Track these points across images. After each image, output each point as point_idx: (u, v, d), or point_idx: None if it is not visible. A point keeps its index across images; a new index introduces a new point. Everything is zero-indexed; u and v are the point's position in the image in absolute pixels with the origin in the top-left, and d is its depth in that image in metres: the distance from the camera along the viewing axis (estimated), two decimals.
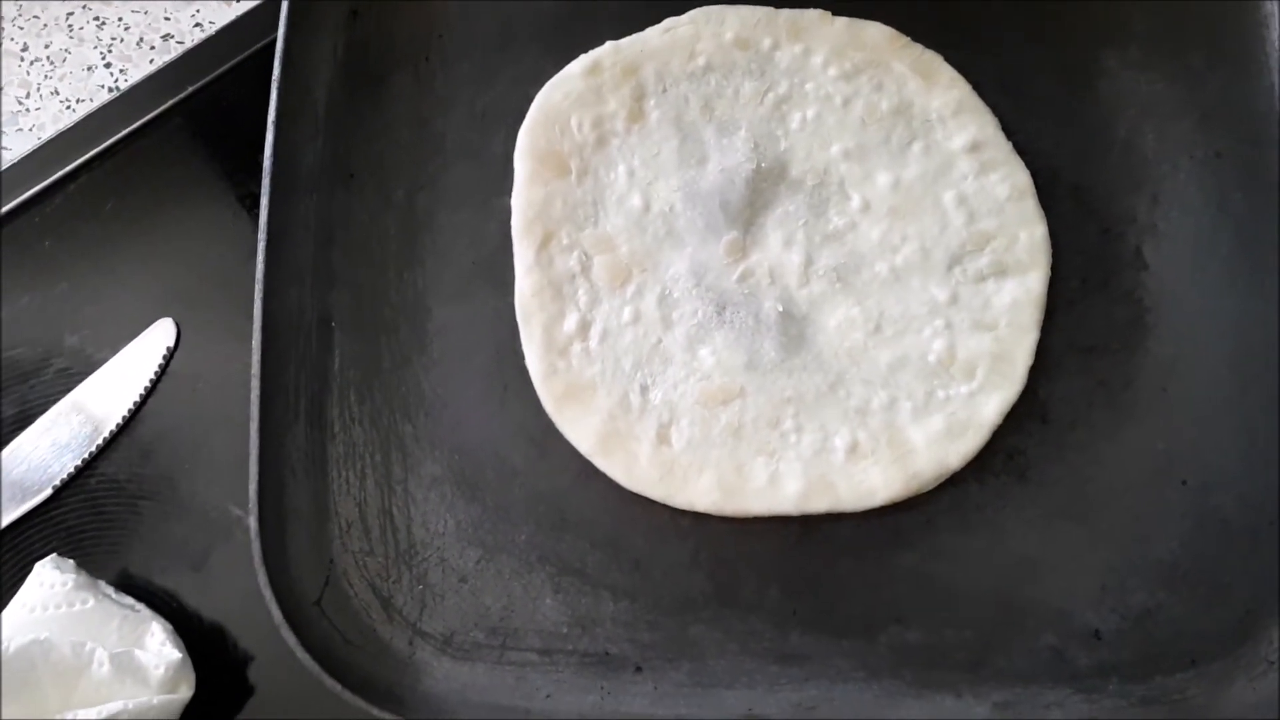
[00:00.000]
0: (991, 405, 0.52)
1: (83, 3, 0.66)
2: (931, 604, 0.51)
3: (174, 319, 0.61)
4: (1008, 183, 0.55)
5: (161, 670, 0.51)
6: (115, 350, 0.61)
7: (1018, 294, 0.54)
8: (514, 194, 0.56)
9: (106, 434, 0.59)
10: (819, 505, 0.51)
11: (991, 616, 0.51)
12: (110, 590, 0.54)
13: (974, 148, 0.56)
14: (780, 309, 0.54)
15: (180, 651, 0.52)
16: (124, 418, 0.59)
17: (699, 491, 0.52)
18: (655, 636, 0.51)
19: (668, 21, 0.59)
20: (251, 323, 0.54)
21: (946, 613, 0.51)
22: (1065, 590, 0.51)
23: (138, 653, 0.51)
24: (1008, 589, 0.51)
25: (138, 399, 0.59)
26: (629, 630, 0.51)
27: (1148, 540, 0.51)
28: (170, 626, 0.53)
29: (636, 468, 0.52)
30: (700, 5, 0.59)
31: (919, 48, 0.58)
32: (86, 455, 0.59)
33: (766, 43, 0.58)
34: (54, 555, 0.55)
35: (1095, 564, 0.51)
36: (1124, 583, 0.51)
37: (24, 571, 0.55)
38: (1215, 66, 0.57)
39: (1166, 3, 0.58)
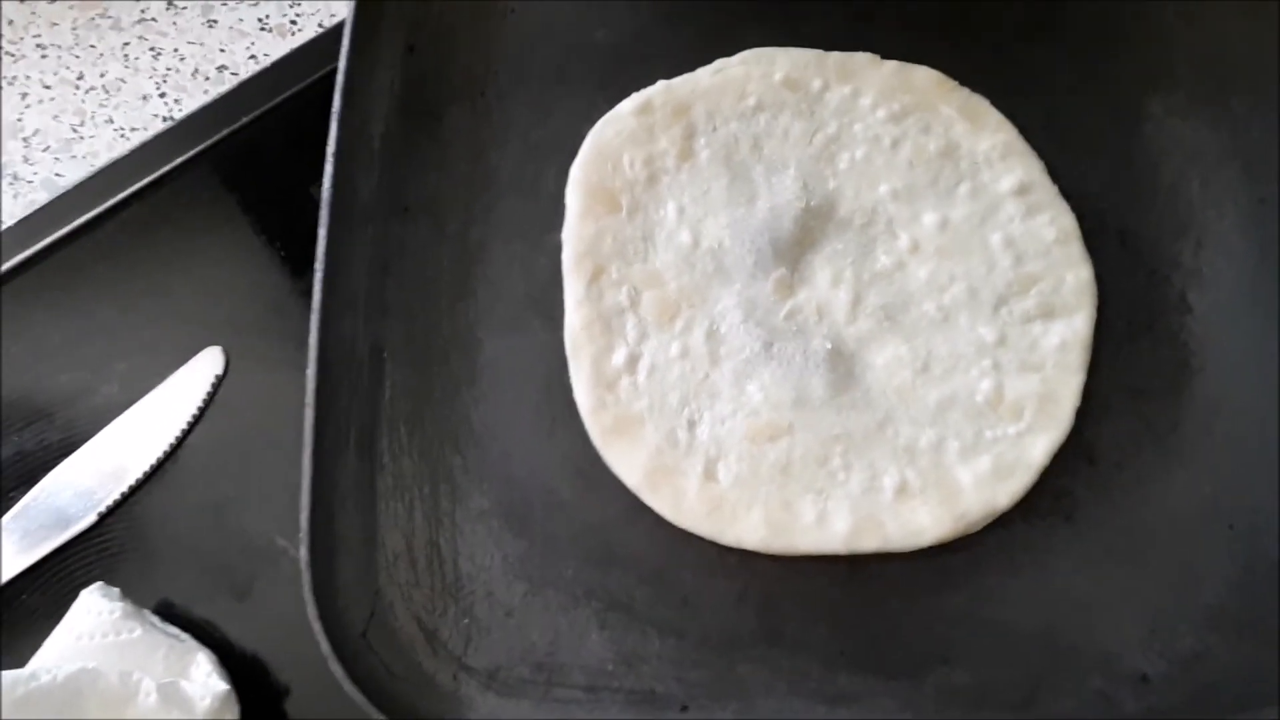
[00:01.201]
0: (1039, 446, 0.52)
1: (139, 34, 0.67)
2: (978, 645, 0.50)
3: (223, 347, 0.61)
4: (1054, 226, 0.56)
5: (207, 701, 0.50)
6: (163, 377, 0.60)
7: (1065, 335, 0.54)
8: (565, 229, 0.57)
9: (152, 461, 0.59)
10: (867, 544, 0.51)
11: (1039, 658, 0.50)
12: (155, 619, 0.54)
13: (1021, 190, 0.56)
14: (829, 346, 0.54)
15: (226, 683, 0.51)
16: (170, 445, 0.59)
17: (747, 528, 0.51)
18: (702, 675, 0.51)
19: (719, 62, 0.60)
20: (301, 352, 0.53)
21: (993, 654, 0.50)
22: (1113, 633, 0.50)
23: (184, 684, 0.50)
24: (1055, 630, 0.50)
25: (184, 427, 0.59)
26: (675, 668, 0.51)
27: (1195, 584, 0.51)
28: (215, 657, 0.53)
29: (684, 503, 0.52)
30: (751, 47, 0.60)
31: (966, 91, 0.58)
32: (131, 483, 0.58)
33: (816, 84, 0.59)
34: (100, 583, 0.55)
35: (1143, 607, 0.51)
36: (1172, 626, 0.50)
37: (67, 599, 0.54)
38: (1258, 113, 0.58)
39: (1210, 49, 0.59)
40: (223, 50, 0.68)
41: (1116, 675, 0.50)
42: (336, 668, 0.48)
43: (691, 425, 0.53)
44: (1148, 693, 0.49)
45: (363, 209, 0.58)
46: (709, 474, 0.52)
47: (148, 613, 0.54)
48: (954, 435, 0.53)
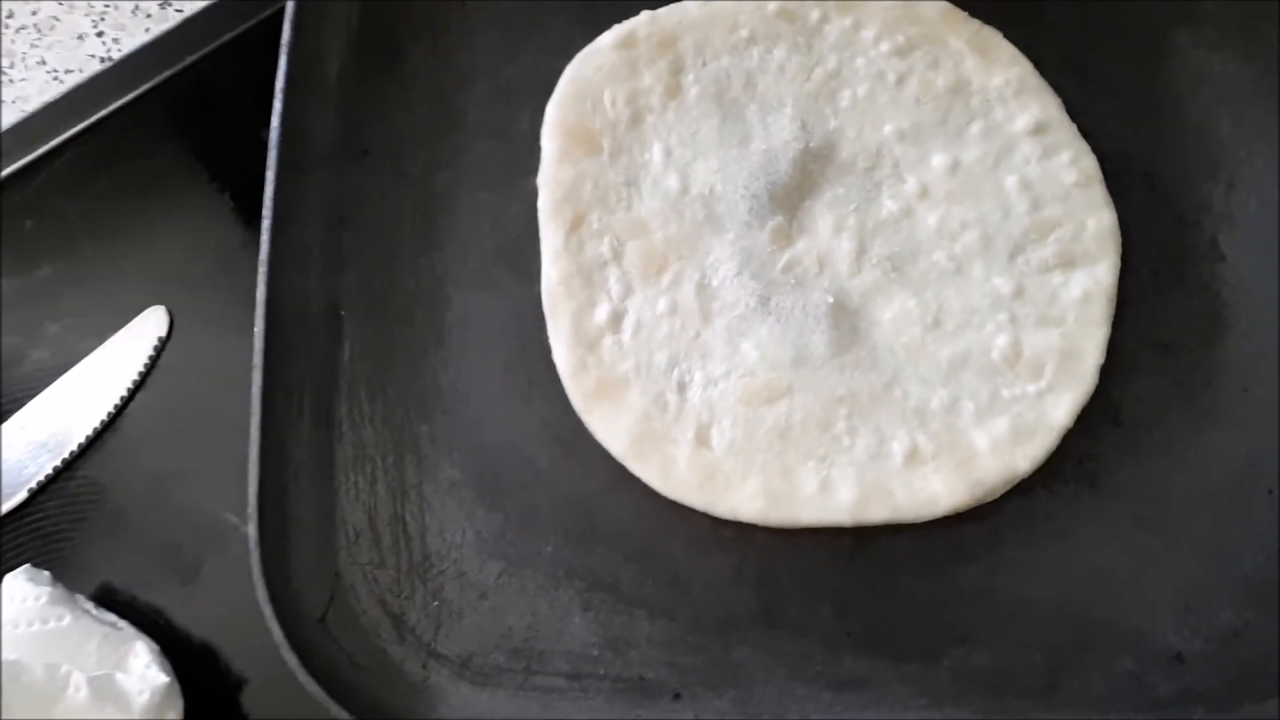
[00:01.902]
0: (1062, 406, 0.48)
1: None
2: (998, 623, 0.47)
3: (166, 307, 0.57)
4: (1074, 167, 0.52)
5: (146, 695, 0.47)
6: (101, 340, 0.57)
7: (1087, 286, 0.50)
8: (541, 174, 0.53)
9: (89, 432, 0.55)
10: (875, 515, 0.47)
11: (1064, 637, 0.47)
12: (90, 605, 0.50)
13: (1037, 130, 0.52)
14: (831, 300, 0.50)
15: (167, 674, 0.48)
16: (109, 414, 0.55)
17: (743, 499, 0.48)
18: (695, 660, 0.48)
19: None
20: (250, 313, 0.50)
21: (1015, 633, 0.47)
22: (1143, 609, 0.48)
23: (119, 676, 0.47)
24: (1081, 607, 0.48)
25: (124, 394, 0.56)
26: (666, 653, 0.48)
27: (1232, 554, 0.48)
28: (156, 646, 0.49)
29: (674, 472, 0.48)
30: None
31: (976, 23, 0.55)
32: (66, 455, 0.55)
33: (814, 15, 0.54)
34: (27, 566, 0.51)
35: (1175, 580, 0.48)
36: (1207, 601, 0.47)
37: None
38: None
39: None
40: None
41: (1148, 655, 0.47)
42: (290, 657, 0.46)
43: (681, 387, 0.49)
44: (1182, 673, 0.47)
45: (316, 153, 0.54)
46: (701, 440, 0.49)
47: (81, 598, 0.50)
48: (968, 395, 0.49)
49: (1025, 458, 0.48)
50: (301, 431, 0.50)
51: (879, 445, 0.48)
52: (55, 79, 0.62)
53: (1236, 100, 0.54)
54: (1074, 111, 0.53)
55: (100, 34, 0.62)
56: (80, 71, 0.62)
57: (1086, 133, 0.52)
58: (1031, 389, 0.49)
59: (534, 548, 0.49)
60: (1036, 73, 0.53)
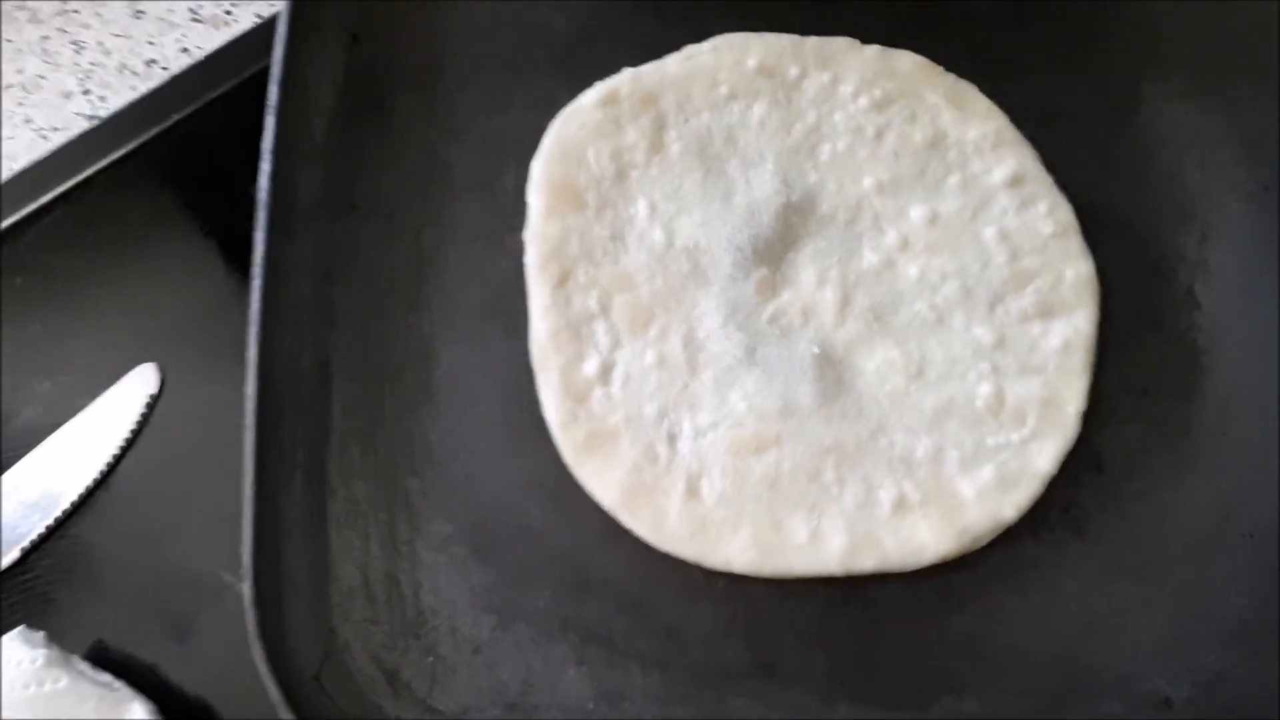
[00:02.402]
0: (1045, 454, 0.49)
1: (60, 27, 0.62)
2: (987, 671, 0.48)
3: (157, 364, 0.57)
4: (1051, 218, 0.53)
5: None
6: (92, 397, 0.57)
7: (1066, 335, 0.51)
8: (528, 229, 0.53)
9: (81, 490, 0.55)
10: (865, 564, 0.48)
11: (1052, 683, 0.47)
12: (85, 666, 0.50)
13: (1014, 181, 0.53)
14: (816, 351, 0.51)
15: None
16: (100, 473, 0.55)
17: (735, 550, 0.48)
18: (690, 711, 0.47)
19: (688, 49, 0.56)
20: (242, 368, 0.49)
21: (1004, 680, 0.47)
22: (1129, 653, 0.48)
23: None
24: (1069, 652, 0.48)
25: (116, 451, 0.55)
26: (661, 706, 0.47)
27: (1215, 597, 0.49)
28: (153, 706, 0.49)
29: (665, 524, 0.48)
30: (721, 32, 0.56)
31: (952, 77, 0.55)
32: (58, 514, 0.54)
33: (793, 71, 0.55)
34: (22, 627, 0.50)
35: (1160, 624, 0.48)
36: (1192, 644, 0.48)
37: None
38: (1258, 97, 0.55)
39: (1205, 32, 0.56)
40: (151, 43, 0.63)
41: (1136, 698, 0.47)
42: (287, 715, 0.45)
43: (671, 439, 0.50)
44: (1170, 716, 0.47)
45: (305, 209, 0.54)
46: (691, 491, 0.49)
47: (76, 659, 0.50)
48: (953, 444, 0.49)
49: (1011, 505, 0.48)
50: (294, 489, 0.50)
51: (867, 494, 0.48)
52: (42, 137, 0.62)
53: (1204, 150, 0.54)
54: (1049, 163, 0.53)
55: (86, 92, 0.62)
56: (67, 130, 0.62)
57: (1062, 184, 0.53)
58: (1015, 437, 0.49)
59: (527, 602, 0.49)
60: (1012, 125, 0.54)
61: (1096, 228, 0.53)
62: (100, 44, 0.63)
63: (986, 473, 0.49)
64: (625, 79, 0.55)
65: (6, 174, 0.60)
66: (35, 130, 0.62)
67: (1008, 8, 0.57)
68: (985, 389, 0.50)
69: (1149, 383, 0.51)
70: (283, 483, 0.49)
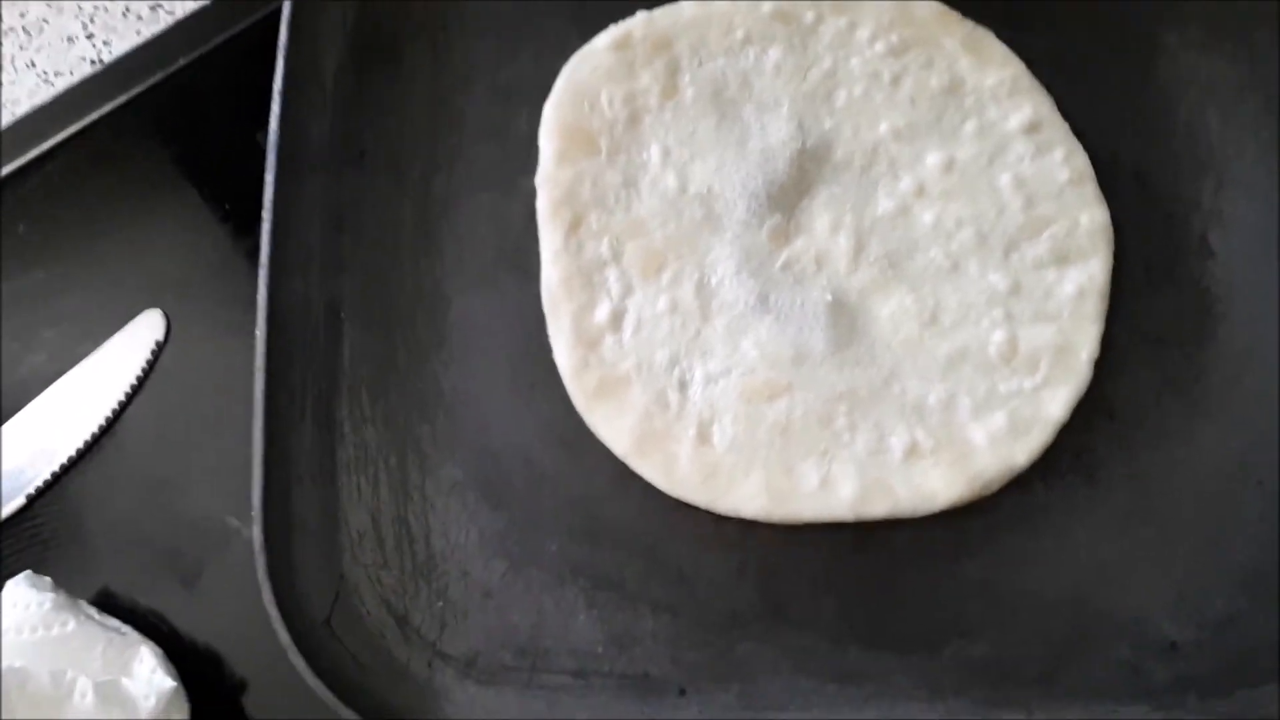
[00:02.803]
0: (1058, 400, 0.49)
1: None
2: (997, 615, 0.48)
3: (163, 310, 0.56)
4: (1067, 165, 0.52)
5: (152, 700, 0.46)
6: (97, 344, 0.56)
7: (1081, 282, 0.50)
8: (539, 174, 0.52)
9: (87, 437, 0.54)
10: (876, 510, 0.47)
11: (1062, 628, 0.48)
12: (93, 611, 0.49)
13: (1030, 128, 0.53)
14: (829, 298, 0.50)
15: (173, 679, 0.47)
16: (107, 419, 0.54)
17: (745, 496, 0.48)
18: (700, 656, 0.48)
19: None
20: (249, 315, 0.49)
21: (1014, 625, 0.48)
22: (1139, 599, 0.48)
23: (125, 681, 0.46)
24: (1078, 598, 0.48)
25: (122, 398, 0.55)
26: (671, 649, 0.48)
27: (1224, 545, 0.49)
28: (161, 651, 0.49)
29: (676, 470, 0.48)
30: None
31: (970, 23, 0.55)
32: (64, 460, 0.54)
33: (809, 16, 0.55)
34: (28, 572, 0.50)
35: (1170, 570, 0.48)
36: (1202, 590, 0.48)
37: None
38: (1278, 46, 0.55)
39: None
40: None
41: (1144, 643, 0.47)
42: (297, 659, 0.45)
43: (683, 385, 0.49)
44: (1177, 660, 0.47)
45: (314, 156, 0.53)
46: (702, 437, 0.49)
47: (84, 604, 0.50)
48: (965, 391, 0.49)
49: (1023, 451, 0.48)
50: (303, 434, 0.50)
51: (878, 441, 0.48)
52: (46, 82, 0.61)
53: (1224, 99, 0.54)
54: (1065, 111, 0.53)
55: (90, 36, 0.61)
56: (71, 74, 0.61)
57: (1078, 132, 0.53)
58: (1027, 384, 0.49)
59: (538, 546, 0.49)
60: (1029, 73, 0.54)
61: (1112, 175, 0.52)
62: None
63: (999, 419, 0.48)
64: (639, 22, 0.54)
65: (9, 119, 0.59)
66: (39, 75, 0.61)
67: None
68: (999, 336, 0.50)
69: (1162, 331, 0.51)
70: (292, 427, 0.50)
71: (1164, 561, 0.48)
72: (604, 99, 0.53)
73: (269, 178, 0.50)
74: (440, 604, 0.49)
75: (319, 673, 0.45)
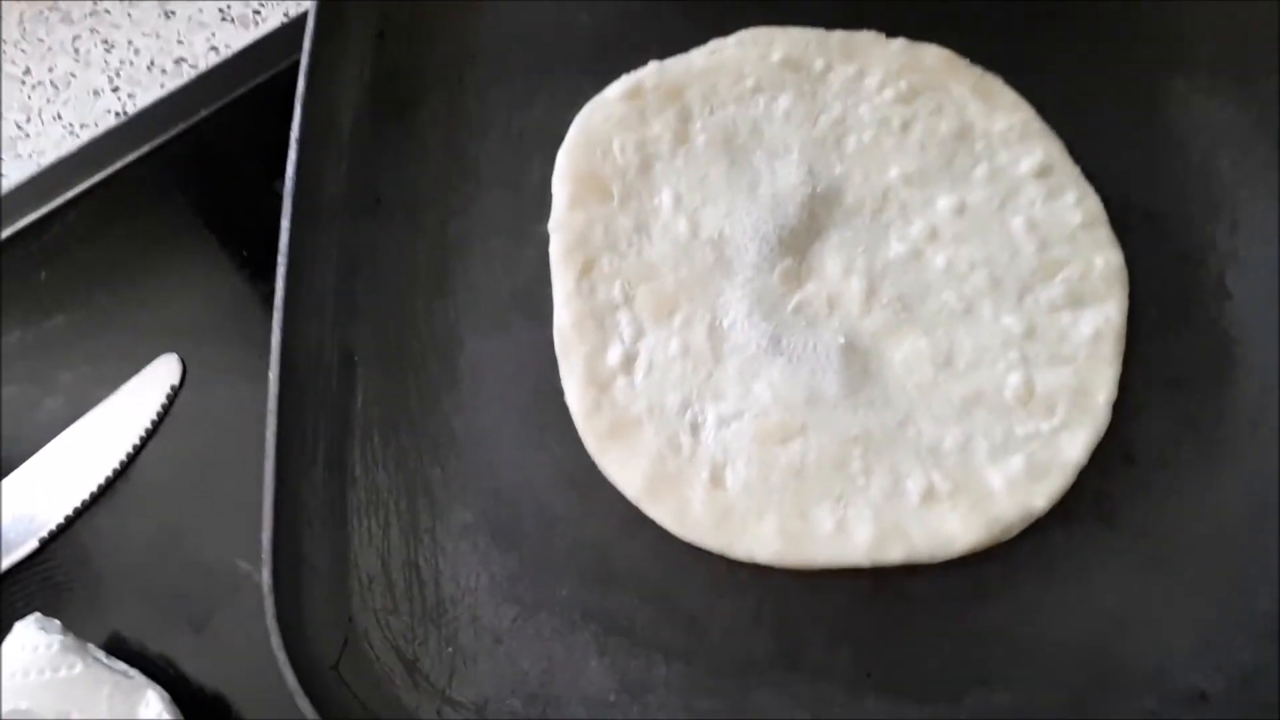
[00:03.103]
0: (1076, 443, 0.48)
1: (91, 26, 0.63)
2: (1018, 663, 0.46)
3: (179, 355, 0.57)
4: (1079, 208, 0.52)
5: None
6: (114, 388, 0.56)
7: (1096, 324, 0.50)
8: (552, 220, 0.53)
9: (101, 480, 0.54)
10: (893, 555, 0.47)
11: (1085, 677, 0.46)
12: (100, 654, 0.49)
13: (1042, 172, 0.53)
14: (842, 340, 0.50)
15: None
16: (121, 463, 0.55)
17: (759, 540, 0.47)
18: (714, 704, 0.46)
19: (713, 44, 0.56)
20: (264, 360, 0.50)
21: (1035, 673, 0.46)
22: (1163, 647, 0.46)
23: None
24: (1100, 646, 0.47)
25: (136, 442, 0.55)
26: (684, 697, 0.46)
27: (1248, 590, 0.47)
28: (167, 695, 0.48)
29: (689, 514, 0.48)
30: (746, 26, 0.56)
31: (979, 70, 0.55)
32: (78, 504, 0.54)
33: (818, 64, 0.55)
34: (37, 614, 0.50)
35: (1193, 618, 0.47)
36: (1226, 638, 0.46)
37: (4, 634, 0.49)
38: None
39: (1232, 25, 0.56)
40: (180, 42, 0.64)
41: (1170, 693, 0.46)
42: (305, 704, 0.44)
43: (695, 428, 0.49)
44: (1206, 710, 0.46)
45: (330, 203, 0.54)
46: (716, 481, 0.48)
47: (92, 647, 0.49)
48: (982, 434, 0.48)
49: (1041, 495, 0.47)
50: (314, 477, 0.50)
51: (894, 485, 0.48)
52: (71, 133, 0.62)
53: (1236, 142, 0.54)
54: (1076, 154, 0.53)
55: (116, 89, 0.62)
56: (95, 126, 0.62)
57: (1089, 175, 0.53)
58: (1045, 426, 0.48)
59: (549, 591, 0.48)
60: (1039, 117, 0.54)
61: (1125, 218, 0.52)
62: (130, 43, 0.64)
63: (1016, 462, 0.48)
64: (650, 72, 0.55)
65: (34, 169, 0.61)
66: (64, 127, 0.63)
67: (1034, 2, 0.57)
68: (1014, 378, 0.49)
69: (1180, 374, 0.51)
70: (303, 471, 0.49)
71: (1187, 609, 0.47)
72: (616, 146, 0.54)
73: (285, 224, 0.51)
74: (450, 649, 0.48)
75: (326, 718, 0.44)
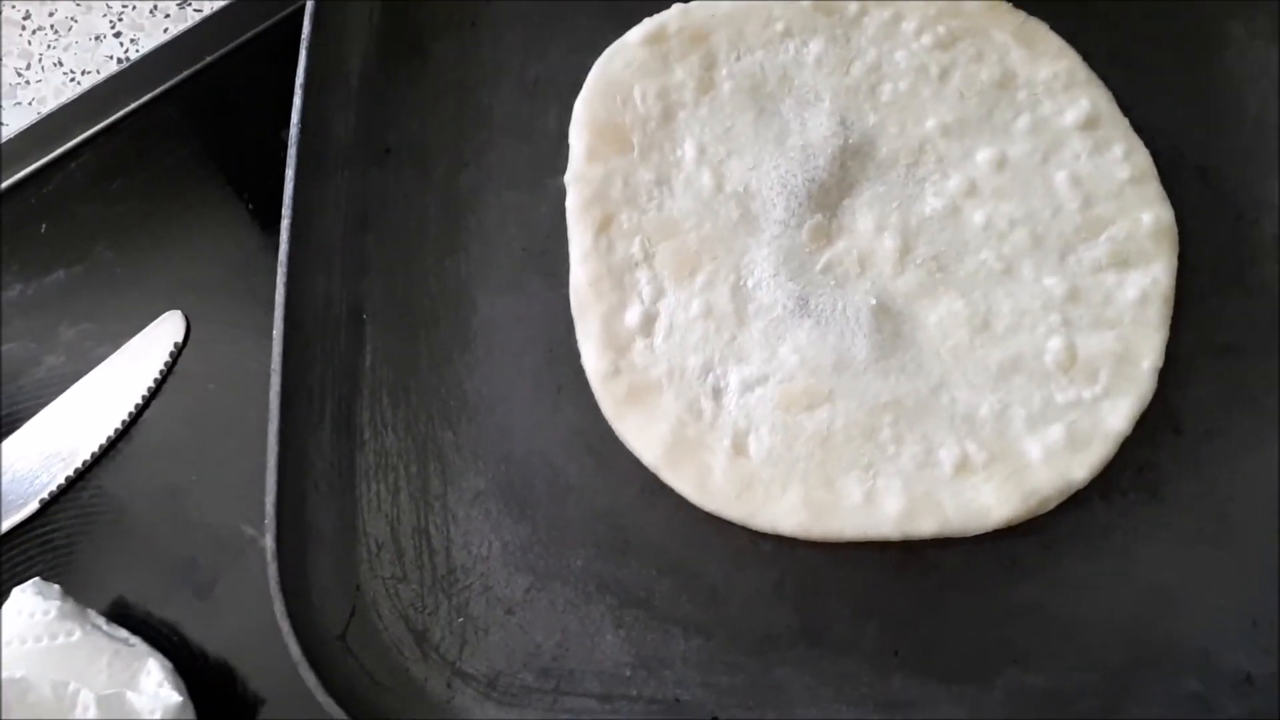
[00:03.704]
0: (1119, 412, 0.46)
1: None
2: (1054, 643, 0.45)
3: (183, 312, 0.56)
4: (1127, 163, 0.50)
5: (158, 715, 0.45)
6: (116, 346, 0.55)
7: (1143, 286, 0.48)
8: (569, 172, 0.51)
9: (103, 441, 0.53)
10: (924, 528, 0.45)
11: (1124, 657, 0.45)
12: (101, 621, 0.48)
13: (1087, 124, 0.50)
14: (873, 302, 0.48)
15: (180, 694, 0.46)
16: (123, 422, 0.54)
17: (783, 511, 0.45)
18: (734, 680, 0.45)
19: None
20: (270, 316, 0.48)
21: (1072, 653, 0.45)
22: (1208, 626, 0.45)
23: (130, 695, 0.45)
24: (1142, 625, 0.45)
25: (140, 401, 0.54)
26: (703, 673, 0.45)
27: None
28: (170, 664, 0.47)
29: (710, 482, 0.46)
30: None
31: (1021, 14, 0.53)
32: (79, 465, 0.53)
33: (852, 7, 0.53)
34: (36, 579, 0.49)
35: (1242, 595, 0.45)
36: (1275, 619, 0.45)
37: (4, 598, 0.49)
38: None
39: None
40: None
41: (1214, 675, 0.44)
42: (309, 675, 0.43)
43: (717, 393, 0.47)
44: (1252, 694, 0.44)
45: (337, 152, 0.52)
46: (738, 448, 0.46)
47: (92, 613, 0.48)
48: (1020, 402, 0.47)
49: (1081, 466, 0.45)
50: (321, 439, 0.48)
51: (926, 454, 0.46)
52: (72, 80, 0.61)
53: None
54: (1124, 105, 0.51)
55: (118, 34, 0.60)
56: (97, 73, 0.60)
57: (1138, 127, 0.50)
58: (1086, 394, 0.46)
59: (563, 561, 0.47)
60: (1085, 65, 0.51)
61: (1175, 174, 0.50)
62: None
63: (1055, 432, 0.46)
64: (674, 14, 0.53)
65: (34, 118, 0.59)
66: (65, 73, 0.61)
67: None
68: (1055, 343, 0.47)
69: (1231, 339, 0.49)
70: (310, 432, 0.48)
71: (1235, 586, 0.46)
72: (637, 94, 0.51)
73: (289, 174, 0.50)
74: (461, 620, 0.47)
75: (332, 690, 0.43)
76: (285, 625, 0.44)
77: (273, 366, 0.47)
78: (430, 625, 0.47)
